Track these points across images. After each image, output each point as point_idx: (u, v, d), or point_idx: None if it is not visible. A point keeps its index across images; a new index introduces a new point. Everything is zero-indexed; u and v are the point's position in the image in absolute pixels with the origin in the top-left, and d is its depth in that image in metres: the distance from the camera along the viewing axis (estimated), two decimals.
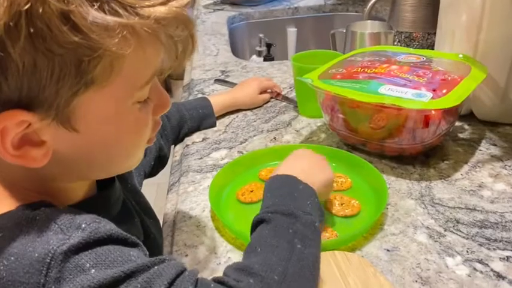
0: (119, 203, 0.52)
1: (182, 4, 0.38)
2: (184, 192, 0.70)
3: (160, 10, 0.36)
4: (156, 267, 0.38)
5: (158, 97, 0.45)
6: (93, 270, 0.36)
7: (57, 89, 0.36)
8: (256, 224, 0.50)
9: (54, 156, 0.40)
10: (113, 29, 0.35)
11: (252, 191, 0.67)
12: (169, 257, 0.41)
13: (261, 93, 0.96)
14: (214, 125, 0.88)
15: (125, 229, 0.50)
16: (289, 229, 0.46)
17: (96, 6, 0.34)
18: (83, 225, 0.38)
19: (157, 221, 0.64)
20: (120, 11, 0.35)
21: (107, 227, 0.40)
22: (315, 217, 0.50)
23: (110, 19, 0.34)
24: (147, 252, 0.43)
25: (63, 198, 0.45)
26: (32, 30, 0.33)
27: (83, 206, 0.45)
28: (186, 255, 0.58)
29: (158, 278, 0.37)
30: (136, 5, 0.36)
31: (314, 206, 0.52)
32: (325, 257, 0.54)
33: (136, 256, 0.39)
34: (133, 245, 0.41)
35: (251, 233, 0.50)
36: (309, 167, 0.58)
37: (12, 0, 0.32)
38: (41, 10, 0.33)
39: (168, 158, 0.81)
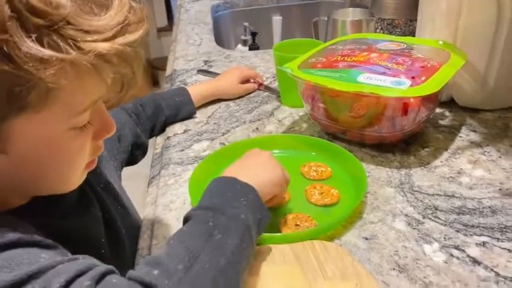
0: (71, 196, 0.51)
1: (128, 42, 0.37)
2: (164, 185, 0.70)
3: (103, 46, 0.36)
4: (59, 265, 0.37)
5: (101, 122, 0.45)
6: None
7: None
8: (183, 223, 0.48)
9: None
10: (48, 62, 0.34)
11: None
12: (83, 256, 0.40)
13: (243, 82, 0.96)
14: (193, 113, 0.88)
15: (77, 221, 0.49)
16: (208, 222, 0.45)
17: (33, 38, 0.34)
18: None
19: (125, 207, 0.63)
20: (61, 44, 0.34)
21: (17, 231, 0.39)
22: (245, 213, 0.47)
23: (46, 52, 0.34)
24: (68, 254, 0.41)
25: (3, 201, 0.44)
26: None
27: (28, 208, 0.45)
28: None
29: (56, 277, 0.36)
30: (79, 39, 0.35)
31: (250, 203, 0.49)
32: (304, 247, 0.54)
33: (47, 257, 0.38)
34: (48, 247, 0.40)
35: None
36: (254, 167, 0.56)
37: None
38: None
39: (147, 147, 0.80)
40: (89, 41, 0.35)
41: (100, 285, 0.37)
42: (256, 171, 0.55)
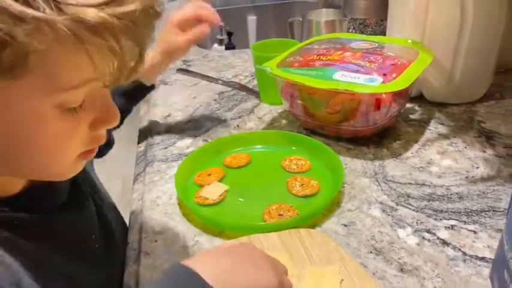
0: (65, 188, 0.50)
1: (120, 12, 0.33)
2: (150, 182, 0.72)
3: (87, 12, 0.32)
4: None
5: (102, 110, 0.41)
6: None
7: None
8: None
9: None
10: (21, 19, 0.30)
11: (209, 175, 0.70)
12: None
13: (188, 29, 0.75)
14: (151, 81, 0.79)
15: (75, 215, 0.49)
16: None
17: None
18: None
19: (107, 201, 0.63)
20: (40, 2, 0.31)
21: None
22: None
23: (18, 8, 0.30)
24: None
25: None
26: None
27: (23, 197, 0.44)
28: (156, 241, 0.60)
29: None
30: (61, 0, 0.31)
31: None
32: (290, 234, 0.57)
33: None
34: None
35: None
36: (241, 264, 0.42)
37: None
38: None
39: (111, 139, 0.74)
40: (72, 5, 0.31)
41: None
42: (244, 272, 0.42)
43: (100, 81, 0.38)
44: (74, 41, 0.33)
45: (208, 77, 1.07)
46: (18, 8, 0.30)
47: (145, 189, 0.71)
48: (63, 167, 0.43)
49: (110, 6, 0.32)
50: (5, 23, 0.30)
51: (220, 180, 0.70)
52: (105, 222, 0.58)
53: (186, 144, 0.82)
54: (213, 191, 0.66)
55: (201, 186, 0.68)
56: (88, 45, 0.33)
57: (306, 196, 0.66)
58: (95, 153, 0.45)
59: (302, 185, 0.67)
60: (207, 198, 0.65)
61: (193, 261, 0.40)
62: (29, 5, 0.31)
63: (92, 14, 0.32)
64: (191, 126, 0.87)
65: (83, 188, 0.54)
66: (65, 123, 0.38)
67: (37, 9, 0.31)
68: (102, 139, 0.44)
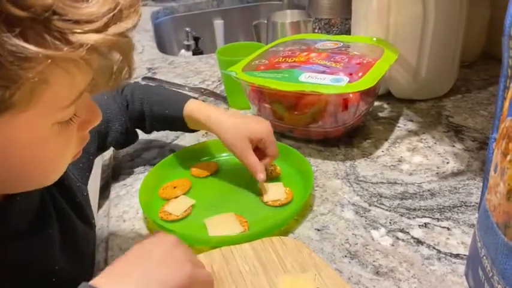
0: (28, 214, 0.46)
1: (121, 31, 0.33)
2: (116, 197, 0.69)
3: (95, 38, 0.32)
4: None
5: (88, 112, 0.42)
6: None
7: None
8: None
9: None
10: (35, 60, 0.30)
11: (175, 187, 0.68)
12: None
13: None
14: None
15: (24, 246, 0.45)
16: None
17: (16, 32, 0.29)
18: None
19: (90, 225, 0.59)
20: (48, 37, 0.30)
21: None
22: None
23: (32, 49, 0.30)
24: None
25: None
26: None
27: None
28: None
29: None
30: (67, 31, 0.31)
31: None
32: (263, 244, 0.55)
33: None
34: None
35: None
36: (154, 270, 0.42)
37: None
38: None
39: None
40: (78, 33, 0.31)
41: None
42: (149, 275, 0.41)
43: (91, 90, 0.39)
44: (81, 66, 0.33)
45: (175, 84, 1.05)
46: (33, 49, 0.30)
47: (111, 204, 0.68)
48: (55, 175, 0.43)
49: (111, 26, 0.33)
50: (20, 67, 0.30)
51: (187, 193, 0.67)
52: (75, 250, 0.53)
53: (152, 155, 0.79)
54: (178, 206, 0.64)
55: (168, 200, 0.66)
56: (94, 65, 0.34)
57: (279, 205, 0.63)
58: (80, 154, 0.45)
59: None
60: (171, 214, 0.62)
61: (104, 280, 0.39)
62: (40, 44, 0.30)
63: (99, 39, 0.32)
64: (158, 136, 0.84)
65: (51, 212, 0.50)
66: (63, 135, 0.39)
67: (49, 47, 0.31)
68: (87, 138, 0.44)
